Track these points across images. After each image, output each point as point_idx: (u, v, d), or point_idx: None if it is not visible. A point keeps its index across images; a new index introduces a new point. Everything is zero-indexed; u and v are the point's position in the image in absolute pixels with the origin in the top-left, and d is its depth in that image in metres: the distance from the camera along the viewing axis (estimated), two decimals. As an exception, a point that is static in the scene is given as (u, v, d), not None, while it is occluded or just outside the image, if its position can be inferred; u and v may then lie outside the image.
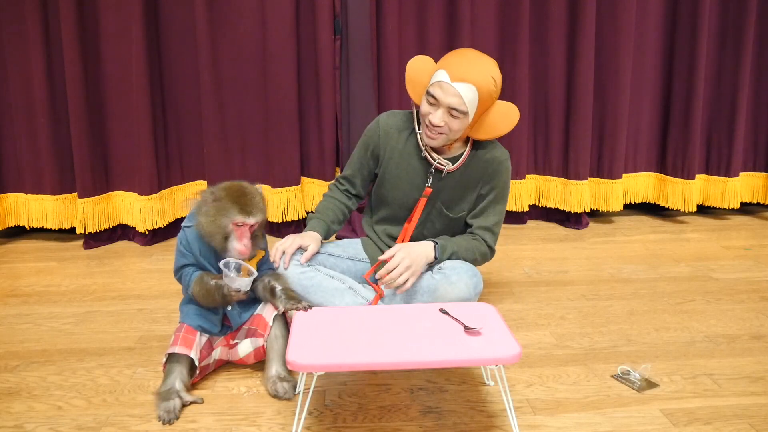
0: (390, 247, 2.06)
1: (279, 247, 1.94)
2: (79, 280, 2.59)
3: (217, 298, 1.66)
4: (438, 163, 1.96)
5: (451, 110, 1.82)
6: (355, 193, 2.16)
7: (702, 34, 3.15)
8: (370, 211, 2.18)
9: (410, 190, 2.03)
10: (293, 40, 2.95)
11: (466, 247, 2.00)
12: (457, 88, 1.79)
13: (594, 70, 3.16)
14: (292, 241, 1.96)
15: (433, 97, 1.83)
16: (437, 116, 1.82)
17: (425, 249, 1.92)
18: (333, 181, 2.19)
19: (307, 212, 3.18)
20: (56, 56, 2.91)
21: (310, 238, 2.00)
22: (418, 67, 1.95)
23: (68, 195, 3.04)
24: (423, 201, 2.00)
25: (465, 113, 1.82)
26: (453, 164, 1.97)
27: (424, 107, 1.87)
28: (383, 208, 2.10)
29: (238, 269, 1.64)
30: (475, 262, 2.02)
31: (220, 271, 1.66)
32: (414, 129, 2.02)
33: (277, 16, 2.91)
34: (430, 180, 1.99)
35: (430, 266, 1.98)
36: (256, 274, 1.66)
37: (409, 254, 1.87)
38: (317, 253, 2.02)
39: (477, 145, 2.00)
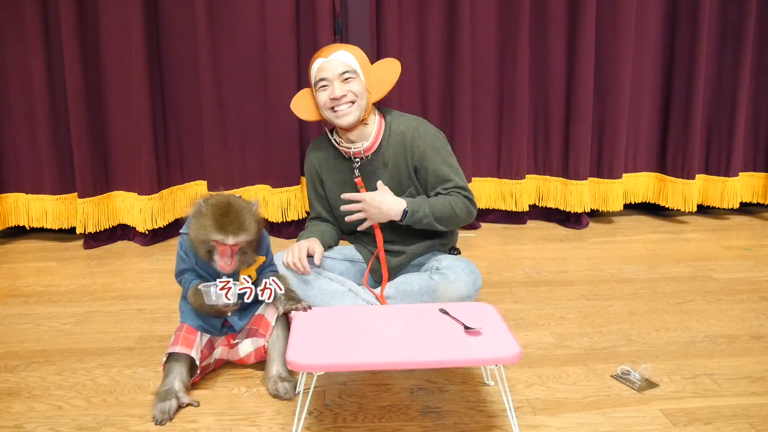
0: (376, 248, 2.08)
1: (290, 262, 1.91)
2: (79, 280, 2.59)
3: (209, 310, 1.66)
4: (355, 149, 2.00)
5: (342, 76, 1.92)
6: (333, 224, 2.17)
7: (702, 34, 3.15)
8: (345, 227, 2.18)
9: (352, 192, 2.04)
10: (293, 40, 2.95)
11: (442, 203, 1.94)
12: (336, 57, 1.93)
13: (594, 70, 3.16)
14: (297, 249, 1.92)
15: (322, 80, 1.94)
16: (336, 89, 1.92)
17: (393, 209, 1.91)
18: (307, 222, 2.20)
19: (307, 212, 3.18)
20: (56, 56, 2.91)
21: (311, 240, 1.99)
22: (298, 99, 2.06)
23: (68, 195, 3.05)
24: (362, 192, 2.01)
25: (355, 71, 1.94)
26: (369, 142, 2.00)
27: (321, 97, 1.95)
28: (347, 225, 2.10)
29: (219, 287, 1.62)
30: (457, 219, 1.96)
31: (216, 278, 1.65)
32: (332, 143, 2.06)
33: (277, 16, 2.91)
34: (357, 171, 2.03)
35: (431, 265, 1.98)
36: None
37: (376, 204, 1.91)
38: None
39: (389, 122, 2.03)
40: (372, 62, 2.05)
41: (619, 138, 3.24)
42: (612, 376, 1.77)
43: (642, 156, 3.41)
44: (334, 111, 1.94)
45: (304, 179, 3.16)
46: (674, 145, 3.33)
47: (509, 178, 3.25)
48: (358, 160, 2.02)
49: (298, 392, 1.66)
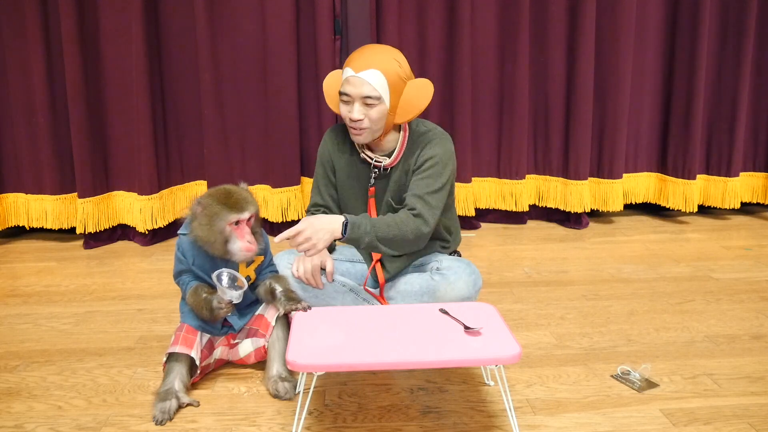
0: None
1: (302, 276, 1.88)
2: (79, 280, 2.59)
3: (204, 313, 1.66)
4: (375, 161, 1.96)
5: (365, 100, 1.83)
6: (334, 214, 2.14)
7: (702, 34, 3.15)
8: None
9: (363, 195, 2.03)
10: (293, 40, 2.95)
11: (387, 223, 1.85)
12: (364, 77, 1.81)
13: (594, 70, 3.16)
14: (310, 264, 1.89)
15: (345, 95, 1.85)
16: (355, 111, 1.84)
17: (331, 223, 1.80)
18: (306, 213, 2.14)
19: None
20: (56, 56, 2.91)
21: (322, 253, 1.96)
22: (329, 82, 1.98)
23: (68, 195, 3.05)
24: (372, 201, 1.99)
25: (379, 98, 1.83)
26: (390, 158, 1.97)
27: (342, 109, 1.88)
28: None
29: (233, 280, 1.63)
30: (405, 241, 1.84)
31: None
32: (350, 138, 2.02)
33: (277, 17, 2.91)
34: (373, 180, 1.99)
35: (429, 267, 1.97)
36: (246, 286, 1.64)
37: (312, 225, 1.77)
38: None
39: (414, 132, 1.99)
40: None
41: (619, 138, 3.24)
42: (612, 376, 1.77)
43: (642, 156, 3.41)
44: (350, 126, 1.90)
45: (304, 179, 3.16)
46: (675, 146, 3.33)
47: (509, 178, 3.25)
48: (375, 170, 1.98)
49: (298, 392, 1.66)
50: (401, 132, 1.98)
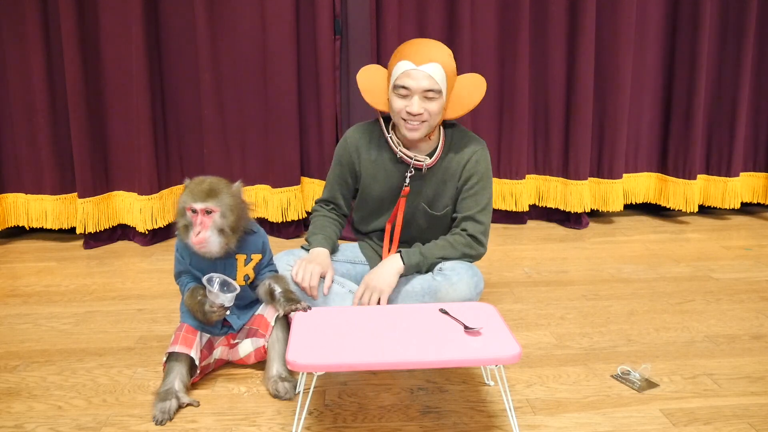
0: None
1: (300, 283, 1.86)
2: (79, 280, 2.59)
3: (198, 316, 1.66)
4: (415, 160, 1.95)
5: (426, 93, 1.82)
6: (342, 213, 2.13)
7: (702, 34, 3.15)
8: (358, 223, 2.15)
9: (392, 196, 2.01)
10: (293, 40, 2.95)
11: (442, 245, 1.95)
12: (426, 70, 1.81)
13: (594, 70, 3.16)
14: (310, 271, 1.87)
15: (404, 88, 1.83)
16: (415, 105, 1.82)
17: (388, 264, 1.89)
18: (315, 205, 2.15)
19: (308, 212, 3.18)
20: (56, 56, 2.91)
21: (323, 260, 1.93)
22: (369, 75, 1.95)
23: (68, 195, 3.05)
24: (402, 201, 1.99)
25: (440, 92, 1.83)
26: (431, 158, 1.96)
27: (397, 103, 1.86)
28: (370, 220, 2.09)
29: (223, 284, 1.63)
30: (465, 258, 1.97)
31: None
32: (383, 135, 2.00)
33: (277, 17, 2.91)
34: (407, 180, 1.97)
35: (427, 270, 1.97)
36: (238, 289, 1.64)
37: (371, 280, 1.87)
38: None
39: (451, 136, 1.99)
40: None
41: (619, 138, 3.24)
42: (612, 376, 1.78)
43: (643, 156, 3.41)
44: (405, 121, 1.86)
45: (304, 179, 3.16)
46: (675, 146, 3.33)
47: (509, 178, 3.25)
48: (412, 169, 1.97)
49: (298, 392, 1.66)
50: (440, 130, 1.99)
